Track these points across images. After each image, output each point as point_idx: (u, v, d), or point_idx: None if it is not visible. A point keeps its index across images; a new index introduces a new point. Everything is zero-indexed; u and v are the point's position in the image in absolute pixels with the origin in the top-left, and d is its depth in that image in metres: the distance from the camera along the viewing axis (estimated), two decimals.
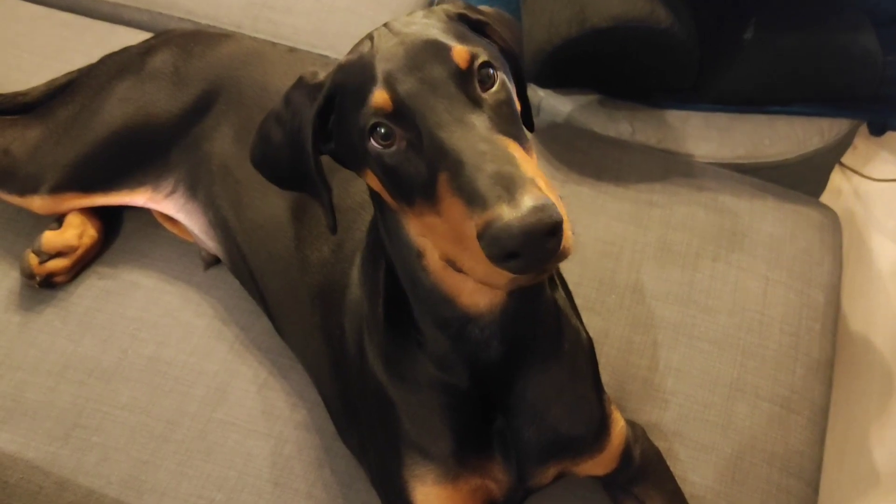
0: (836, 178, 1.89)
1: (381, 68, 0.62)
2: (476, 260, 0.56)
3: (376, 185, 0.66)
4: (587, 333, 0.86)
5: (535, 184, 0.55)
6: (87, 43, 1.33)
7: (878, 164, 1.97)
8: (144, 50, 1.10)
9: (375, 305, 0.78)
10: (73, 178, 1.05)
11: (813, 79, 1.29)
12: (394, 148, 0.61)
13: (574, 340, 0.82)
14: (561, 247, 0.55)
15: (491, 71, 0.64)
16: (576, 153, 1.26)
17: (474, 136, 0.58)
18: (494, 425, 0.79)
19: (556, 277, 0.83)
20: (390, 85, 0.61)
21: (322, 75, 0.68)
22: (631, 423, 0.93)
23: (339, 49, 1.37)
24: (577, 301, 0.92)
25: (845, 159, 1.89)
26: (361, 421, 0.87)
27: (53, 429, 0.97)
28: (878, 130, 1.44)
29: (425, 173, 0.59)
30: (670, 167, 1.26)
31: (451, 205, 0.57)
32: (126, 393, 0.99)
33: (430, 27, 0.65)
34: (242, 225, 1.01)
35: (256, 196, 1.01)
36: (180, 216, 1.08)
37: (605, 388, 0.88)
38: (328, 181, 0.70)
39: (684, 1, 1.24)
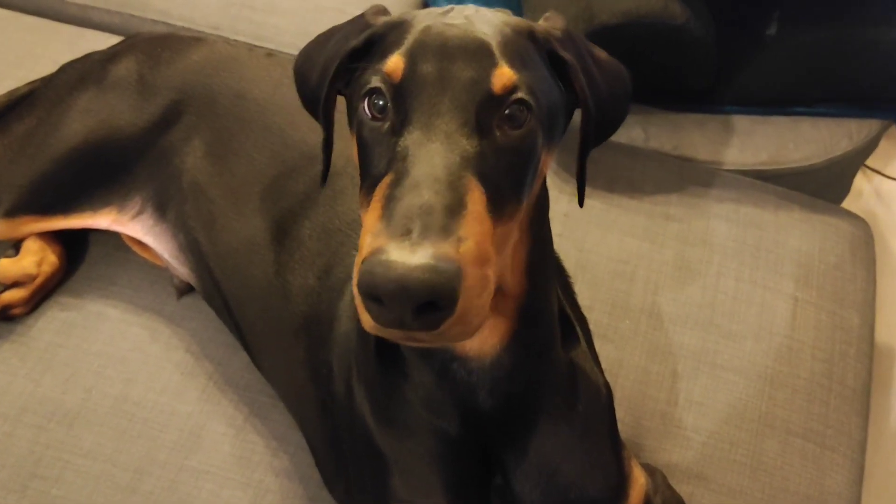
0: (857, 178, 1.82)
1: (415, 38, 0.56)
2: (355, 281, 0.49)
3: (354, 153, 0.60)
4: (607, 385, 0.77)
5: (456, 246, 0.47)
6: (53, 48, 1.24)
7: None
8: (107, 57, 1.01)
9: (366, 334, 0.70)
10: (31, 199, 0.97)
11: (840, 77, 1.22)
12: (377, 124, 0.56)
13: (591, 400, 0.73)
14: (440, 328, 0.47)
15: (525, 113, 0.55)
16: None
17: (443, 159, 0.50)
18: (494, 482, 0.70)
19: (577, 331, 0.74)
20: (412, 58, 0.55)
21: (383, 18, 0.62)
22: (650, 469, 0.85)
23: None
24: (590, 329, 0.83)
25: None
26: (349, 469, 0.80)
27: (8, 480, 0.88)
28: None
29: (383, 166, 0.54)
30: (687, 176, 1.18)
31: (372, 210, 0.51)
32: (89, 439, 0.91)
33: (498, 33, 0.57)
34: (216, 248, 0.93)
35: (231, 217, 0.92)
36: (148, 239, 0.99)
37: (620, 424, 0.79)
38: (332, 122, 0.66)
39: None
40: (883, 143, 1.84)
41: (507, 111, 0.54)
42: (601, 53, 0.66)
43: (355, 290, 0.48)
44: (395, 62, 0.55)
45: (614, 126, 0.66)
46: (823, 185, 1.28)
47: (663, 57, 1.16)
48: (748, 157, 1.22)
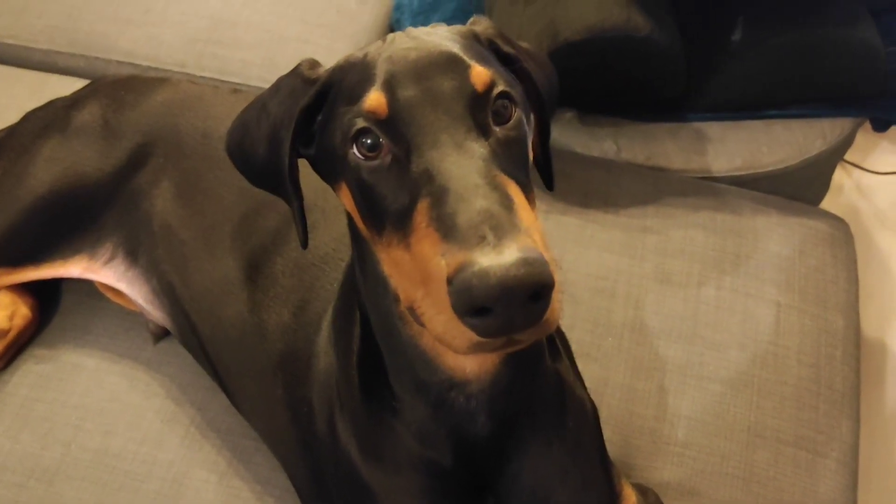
0: (837, 173, 1.81)
1: (383, 69, 0.56)
2: (438, 309, 0.48)
3: (349, 202, 0.58)
4: (591, 402, 0.76)
5: (529, 235, 0.47)
6: (18, 96, 1.23)
7: (878, 155, 1.89)
8: (70, 103, 1.00)
9: (348, 367, 0.69)
10: None
11: (810, 78, 1.20)
12: (376, 162, 0.54)
13: (579, 416, 0.72)
14: (544, 317, 0.47)
15: (508, 104, 0.56)
16: (557, 178, 1.14)
17: (471, 166, 0.50)
18: None
19: (559, 345, 0.73)
20: (390, 88, 0.54)
21: (321, 69, 0.61)
22: (641, 489, 0.83)
23: None
24: (571, 347, 0.82)
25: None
26: None
27: None
28: (881, 126, 1.34)
29: (404, 197, 0.52)
30: (662, 186, 1.16)
31: (424, 237, 0.50)
32: (71, 494, 0.89)
33: (453, 41, 0.58)
34: (190, 290, 0.92)
35: (204, 257, 0.91)
36: (122, 285, 0.98)
37: (608, 444, 0.78)
38: (300, 189, 0.63)
39: (664, 4, 1.14)
40: (860, 138, 1.84)
41: (494, 109, 0.55)
42: (524, 45, 0.67)
43: (447, 318, 0.47)
44: (376, 98, 0.54)
45: (554, 108, 0.69)
46: (801, 187, 1.27)
47: (630, 69, 1.15)
48: (722, 163, 1.20)
